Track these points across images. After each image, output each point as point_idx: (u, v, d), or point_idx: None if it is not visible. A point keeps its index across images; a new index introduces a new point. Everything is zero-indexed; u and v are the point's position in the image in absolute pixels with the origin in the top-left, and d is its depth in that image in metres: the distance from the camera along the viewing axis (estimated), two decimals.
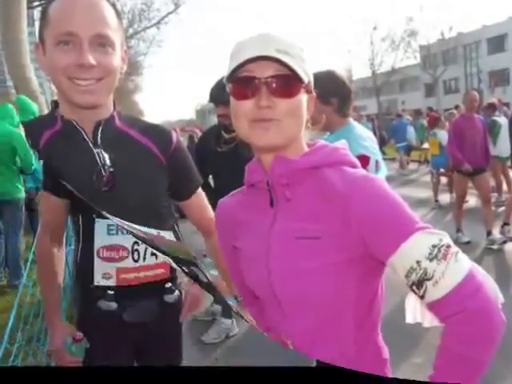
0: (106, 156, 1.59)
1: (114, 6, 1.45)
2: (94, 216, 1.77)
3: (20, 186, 5.72)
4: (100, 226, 1.80)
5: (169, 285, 1.93)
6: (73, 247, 2.01)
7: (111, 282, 1.82)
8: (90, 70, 1.39)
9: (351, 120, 3.06)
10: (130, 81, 31.00)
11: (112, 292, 1.81)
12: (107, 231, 1.80)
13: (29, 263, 3.65)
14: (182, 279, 1.95)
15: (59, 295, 1.95)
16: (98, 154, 1.61)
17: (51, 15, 1.40)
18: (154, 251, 1.83)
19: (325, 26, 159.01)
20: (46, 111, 7.08)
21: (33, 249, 3.27)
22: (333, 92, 2.91)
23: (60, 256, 1.95)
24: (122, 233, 1.79)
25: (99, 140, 1.61)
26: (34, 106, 5.70)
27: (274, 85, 1.15)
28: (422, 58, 48.16)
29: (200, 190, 1.88)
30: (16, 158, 5.53)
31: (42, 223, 1.94)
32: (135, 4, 22.42)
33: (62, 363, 1.86)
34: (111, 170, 1.60)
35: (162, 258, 1.78)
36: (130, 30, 22.87)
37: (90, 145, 1.61)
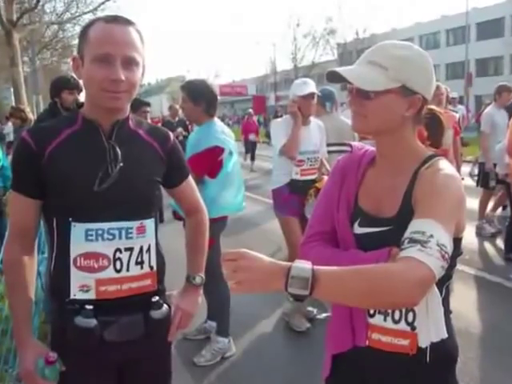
0: (118, 151, 1.64)
1: (139, 33, 1.63)
2: (71, 219, 1.57)
3: None
4: (77, 230, 1.58)
5: (156, 298, 1.69)
6: (46, 255, 1.73)
7: (90, 295, 1.59)
8: (119, 84, 1.55)
9: (215, 119, 3.66)
10: (64, 63, 29.55)
11: (91, 307, 1.57)
12: (85, 237, 1.58)
13: None
14: (171, 292, 1.68)
15: (30, 310, 1.65)
16: (110, 150, 1.63)
17: (91, 36, 1.56)
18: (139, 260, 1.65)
19: (252, 20, 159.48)
20: None
21: None
22: (202, 96, 3.53)
23: (31, 265, 1.65)
24: (103, 239, 1.59)
25: (114, 137, 1.65)
26: None
27: (354, 89, 1.38)
28: (339, 54, 49.71)
29: (190, 177, 1.92)
30: None
31: (11, 227, 1.66)
32: None
33: None
34: (121, 164, 1.63)
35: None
36: (68, 14, 21.76)
37: (105, 141, 1.64)
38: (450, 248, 1.22)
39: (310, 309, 4.29)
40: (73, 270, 1.58)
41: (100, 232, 1.58)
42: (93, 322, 1.56)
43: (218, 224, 3.48)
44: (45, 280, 3.68)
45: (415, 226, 1.24)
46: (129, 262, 1.62)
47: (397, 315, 1.37)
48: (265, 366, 3.45)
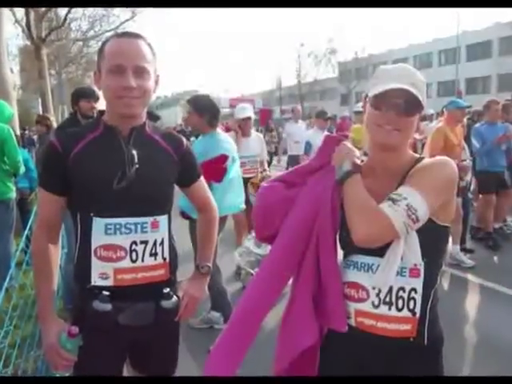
0: (135, 154, 1.66)
1: (149, 45, 1.68)
2: (92, 214, 1.62)
3: (11, 186, 4.72)
4: (97, 224, 1.63)
5: (167, 290, 1.74)
6: (65, 250, 1.78)
7: (108, 282, 1.64)
8: (131, 91, 1.60)
9: (218, 129, 3.85)
10: (88, 77, 29.72)
11: (107, 293, 1.62)
12: (105, 230, 1.63)
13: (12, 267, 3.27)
14: (182, 279, 1.72)
15: (53, 292, 1.70)
16: (128, 153, 1.66)
17: (106, 51, 1.63)
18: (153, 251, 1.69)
19: (260, 41, 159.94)
20: (15, 105, 6.71)
21: (18, 251, 2.84)
22: (206, 109, 3.69)
23: (56, 253, 1.71)
24: (120, 232, 1.63)
25: (131, 142, 1.69)
26: (9, 111, 4.79)
27: (402, 106, 1.39)
28: (339, 72, 49.64)
29: (201, 177, 1.95)
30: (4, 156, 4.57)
31: (39, 221, 1.71)
32: (97, 10, 21.17)
33: (56, 362, 1.62)
34: (137, 166, 1.66)
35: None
36: (92, 32, 21.87)
37: (123, 145, 1.67)
38: (421, 214, 1.34)
39: None
40: (94, 259, 1.62)
41: (118, 226, 1.62)
42: (108, 306, 1.60)
43: (219, 223, 3.55)
44: (64, 272, 3.75)
45: (398, 190, 1.39)
46: (144, 253, 1.66)
47: (400, 304, 1.42)
48: (264, 352, 3.46)
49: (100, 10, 20.93)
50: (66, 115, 16.36)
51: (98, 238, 1.62)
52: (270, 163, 16.53)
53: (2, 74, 7.00)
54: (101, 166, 1.63)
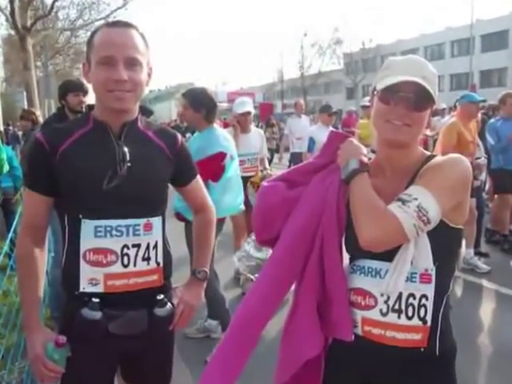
0: (126, 152, 1.66)
1: (142, 35, 1.67)
2: (81, 216, 1.62)
3: None
4: (86, 227, 1.62)
5: (161, 296, 1.73)
6: (52, 254, 1.79)
7: (98, 289, 1.64)
8: (123, 84, 1.59)
9: (215, 125, 3.82)
10: (76, 69, 29.76)
11: (97, 300, 1.61)
12: (94, 233, 1.63)
13: None
14: (177, 285, 1.72)
15: (39, 299, 1.70)
16: (119, 150, 1.66)
17: (95, 41, 1.62)
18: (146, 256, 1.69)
19: (260, 30, 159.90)
20: None
21: (2, 255, 2.83)
22: (203, 104, 3.66)
23: (41, 257, 1.71)
24: (111, 235, 1.63)
25: (123, 138, 1.68)
26: None
27: (412, 100, 1.38)
28: (345, 64, 49.69)
29: (198, 176, 1.94)
30: None
31: (24, 222, 1.71)
32: None
33: (42, 374, 1.61)
34: (129, 164, 1.65)
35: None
36: (80, 21, 21.92)
37: (114, 142, 1.67)
38: (433, 215, 1.34)
39: None
40: (82, 264, 1.62)
41: (108, 229, 1.62)
42: (98, 314, 1.60)
43: (217, 225, 3.56)
44: (51, 277, 3.74)
45: (408, 190, 1.39)
46: (136, 257, 1.66)
47: (410, 311, 1.42)
48: (265, 366, 3.46)
49: None
50: (53, 110, 16.37)
51: (87, 242, 1.62)
52: (270, 161, 16.58)
53: None
54: (90, 164, 1.62)
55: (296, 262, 1.52)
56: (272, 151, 14.70)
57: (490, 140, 6.21)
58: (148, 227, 1.69)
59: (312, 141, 6.62)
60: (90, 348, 1.63)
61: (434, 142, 7.60)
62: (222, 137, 3.81)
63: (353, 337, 1.48)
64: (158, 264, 1.72)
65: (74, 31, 23.63)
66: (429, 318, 1.42)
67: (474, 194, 4.92)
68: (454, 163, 1.42)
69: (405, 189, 1.41)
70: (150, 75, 1.72)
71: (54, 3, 17.41)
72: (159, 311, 1.72)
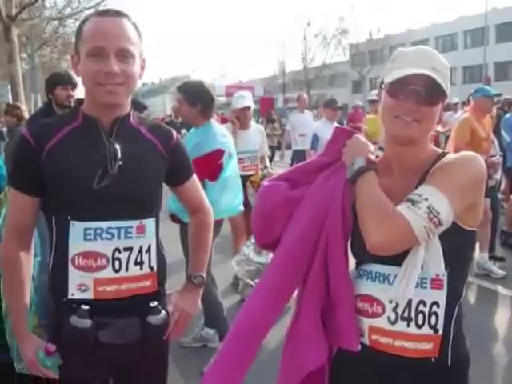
0: (118, 149, 1.66)
1: (135, 25, 1.67)
2: (69, 218, 1.62)
3: None
4: (75, 229, 1.63)
5: (154, 303, 1.73)
6: (39, 258, 1.80)
7: (88, 295, 1.64)
8: (114, 77, 1.59)
9: (212, 120, 3.82)
10: (64, 60, 29.79)
11: (87, 307, 1.62)
12: (84, 236, 1.63)
13: None
14: (171, 291, 1.72)
15: (26, 305, 1.71)
16: (110, 148, 1.65)
17: (85, 33, 1.62)
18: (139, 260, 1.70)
19: (260, 20, 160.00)
20: None
21: None
22: (199, 98, 3.65)
23: (28, 262, 1.72)
24: (101, 238, 1.64)
25: (114, 134, 1.68)
26: None
27: (422, 93, 1.38)
28: (350, 55, 49.75)
29: (194, 175, 1.94)
30: None
31: (9, 225, 1.72)
32: None
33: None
34: (120, 162, 1.65)
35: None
36: (69, 10, 21.94)
37: (105, 138, 1.67)
38: (445, 217, 1.33)
39: None
40: (71, 269, 1.62)
41: (99, 231, 1.62)
42: (88, 322, 1.61)
43: (215, 227, 3.56)
44: (37, 283, 3.74)
45: (418, 190, 1.39)
46: (128, 262, 1.66)
47: (420, 319, 1.42)
48: (265, 377, 3.48)
49: None
50: (40, 104, 16.39)
51: (76, 245, 1.62)
52: (271, 159, 16.59)
53: None
54: (79, 163, 1.62)
55: (298, 267, 1.52)
56: (273, 148, 14.68)
57: (506, 137, 6.23)
58: (141, 229, 1.69)
59: (315, 137, 6.64)
60: (80, 358, 1.64)
61: (446, 138, 7.63)
62: (220, 133, 3.82)
63: (359, 346, 1.48)
64: (152, 269, 1.72)
65: (62, 20, 23.63)
66: (440, 326, 1.42)
67: (488, 194, 4.92)
68: (467, 161, 1.42)
69: (415, 188, 1.41)
70: (143, 67, 1.71)
71: None
72: (153, 319, 1.71)
